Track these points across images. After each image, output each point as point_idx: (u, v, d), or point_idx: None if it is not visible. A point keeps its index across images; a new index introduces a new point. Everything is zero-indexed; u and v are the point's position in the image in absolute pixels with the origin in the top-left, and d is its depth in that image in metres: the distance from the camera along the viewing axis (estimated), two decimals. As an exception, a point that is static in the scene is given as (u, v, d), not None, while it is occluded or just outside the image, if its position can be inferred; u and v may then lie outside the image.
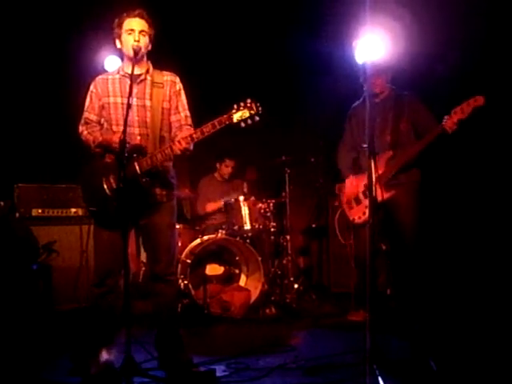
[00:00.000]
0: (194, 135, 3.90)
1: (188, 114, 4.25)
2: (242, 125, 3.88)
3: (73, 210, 6.37)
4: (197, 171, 7.79)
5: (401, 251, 5.50)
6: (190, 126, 4.20)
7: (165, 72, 4.26)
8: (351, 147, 5.84)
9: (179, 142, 3.90)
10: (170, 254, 4.21)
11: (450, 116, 5.04)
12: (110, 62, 6.82)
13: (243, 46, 7.37)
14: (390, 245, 5.85)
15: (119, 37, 4.10)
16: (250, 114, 3.85)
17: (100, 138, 4.09)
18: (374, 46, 4.79)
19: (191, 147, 3.99)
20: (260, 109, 3.87)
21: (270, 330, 5.64)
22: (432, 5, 5.97)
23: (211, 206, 7.32)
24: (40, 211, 6.24)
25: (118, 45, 4.14)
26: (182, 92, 4.27)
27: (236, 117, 3.86)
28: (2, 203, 5.87)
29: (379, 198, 5.08)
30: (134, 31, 4.03)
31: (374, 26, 4.16)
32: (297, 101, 7.64)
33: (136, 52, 3.98)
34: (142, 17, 4.07)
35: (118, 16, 4.12)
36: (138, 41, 4.01)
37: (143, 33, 4.05)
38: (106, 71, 5.72)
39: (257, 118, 3.87)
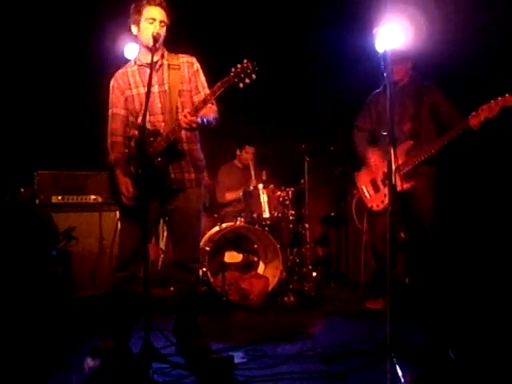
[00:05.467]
0: (198, 105, 3.89)
1: (208, 91, 4.14)
2: (241, 85, 3.79)
3: (92, 196, 6.39)
4: (215, 159, 7.79)
5: (419, 241, 5.48)
6: (212, 103, 4.14)
7: (180, 55, 4.24)
8: (367, 133, 5.82)
9: (185, 115, 3.87)
10: (196, 241, 4.26)
11: (477, 113, 4.94)
12: (130, 50, 6.83)
13: (263, 35, 7.36)
14: (409, 234, 5.84)
15: (137, 23, 4.06)
16: (247, 72, 3.77)
17: (113, 167, 4.12)
18: (394, 33, 4.76)
19: (198, 120, 3.91)
20: (256, 66, 3.79)
21: (287, 318, 5.64)
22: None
23: (230, 195, 7.32)
24: (60, 198, 6.27)
25: (135, 31, 4.11)
26: (200, 71, 4.24)
27: (234, 77, 3.79)
28: (22, 190, 5.92)
29: (398, 188, 5.08)
30: (155, 21, 4.02)
31: (395, 13, 4.13)
32: (316, 89, 7.62)
33: (156, 40, 3.96)
34: (162, 6, 4.05)
35: (136, 1, 4.08)
36: (162, 32, 4.03)
37: (162, 23, 4.05)
38: (125, 58, 5.74)
39: (254, 76, 3.78)
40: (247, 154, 7.51)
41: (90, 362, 4.00)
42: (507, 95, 4.84)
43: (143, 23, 4.04)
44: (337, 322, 5.46)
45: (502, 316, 4.99)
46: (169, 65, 4.16)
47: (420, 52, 5.59)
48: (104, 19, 6.68)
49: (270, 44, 7.40)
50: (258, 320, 5.60)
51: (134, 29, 4.11)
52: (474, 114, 4.97)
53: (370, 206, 5.68)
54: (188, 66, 4.20)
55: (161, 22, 4.04)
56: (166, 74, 4.14)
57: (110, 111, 4.23)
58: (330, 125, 7.65)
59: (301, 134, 7.32)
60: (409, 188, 5.28)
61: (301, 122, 7.84)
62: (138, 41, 4.15)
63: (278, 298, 6.36)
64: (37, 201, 6.15)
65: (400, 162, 5.25)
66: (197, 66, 4.23)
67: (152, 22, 4.02)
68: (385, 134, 3.81)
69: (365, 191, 5.73)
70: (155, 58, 4.09)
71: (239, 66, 3.80)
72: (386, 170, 4.48)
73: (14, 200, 5.77)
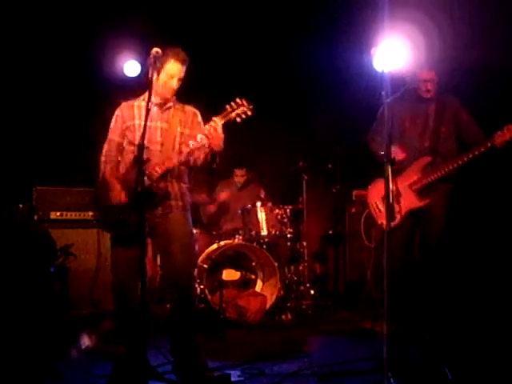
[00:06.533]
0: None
1: None
2: (238, 120, 4.03)
3: (90, 213, 6.39)
4: (213, 176, 7.80)
5: (426, 259, 5.38)
6: None
7: (187, 105, 4.40)
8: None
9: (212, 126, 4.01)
10: (185, 263, 4.20)
11: (502, 132, 4.84)
12: (130, 67, 6.89)
13: (260, 54, 7.40)
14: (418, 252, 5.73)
15: (157, 71, 4.11)
16: (244, 110, 4.03)
17: (107, 176, 4.18)
18: (393, 52, 4.77)
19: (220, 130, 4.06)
20: (251, 105, 4.05)
21: (285, 336, 5.62)
22: (454, 7, 5.94)
23: (223, 196, 7.35)
24: (58, 214, 6.28)
25: (152, 74, 4.07)
26: (202, 124, 4.37)
27: (231, 113, 4.03)
28: (21, 206, 5.92)
29: (412, 206, 5.06)
30: (174, 78, 4.16)
31: (393, 32, 4.15)
32: (314, 107, 7.65)
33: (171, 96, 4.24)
34: (185, 64, 4.17)
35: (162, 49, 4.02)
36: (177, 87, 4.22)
37: (180, 80, 4.20)
38: (125, 76, 5.79)
39: (250, 113, 4.05)
40: (238, 177, 7.54)
41: (86, 340, 4.01)
42: None
43: (163, 75, 4.15)
44: (334, 340, 5.46)
45: (500, 336, 4.98)
46: (175, 109, 4.30)
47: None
48: (104, 40, 6.73)
49: (265, 61, 7.44)
50: (256, 338, 5.60)
51: (152, 73, 4.08)
52: (499, 133, 4.86)
53: (380, 222, 5.57)
54: (193, 115, 4.37)
55: (179, 79, 4.19)
56: (171, 115, 4.27)
57: (108, 137, 4.32)
58: (327, 143, 7.67)
59: (298, 152, 7.34)
60: (423, 206, 5.22)
61: (298, 140, 7.86)
62: (153, 84, 4.10)
63: (275, 315, 6.36)
64: (35, 217, 6.15)
65: (415, 178, 5.21)
66: (200, 118, 4.41)
67: (172, 77, 4.16)
68: (382, 154, 3.79)
69: (376, 207, 5.61)
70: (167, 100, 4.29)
71: (234, 104, 4.04)
72: (397, 186, 4.46)
73: (13, 216, 5.77)
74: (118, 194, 4.05)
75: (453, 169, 5.14)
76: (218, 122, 4.02)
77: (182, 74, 4.20)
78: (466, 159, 5.06)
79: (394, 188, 5.22)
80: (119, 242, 4.15)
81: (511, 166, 5.87)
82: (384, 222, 5.38)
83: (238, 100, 4.05)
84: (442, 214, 5.26)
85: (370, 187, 5.67)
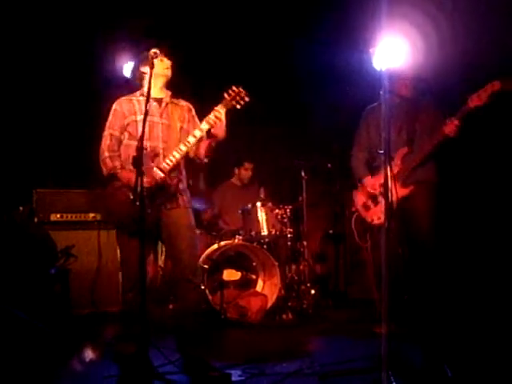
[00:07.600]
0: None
1: None
2: (238, 107, 4.25)
3: (91, 214, 6.41)
4: (213, 177, 7.81)
5: (418, 256, 5.40)
6: None
7: (181, 99, 4.56)
8: (366, 148, 5.73)
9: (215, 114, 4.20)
10: (192, 256, 4.31)
11: (466, 103, 4.93)
12: (129, 69, 6.89)
13: (259, 54, 7.40)
14: (408, 249, 5.77)
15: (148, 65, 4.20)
16: (242, 96, 4.24)
17: (118, 171, 4.24)
18: (392, 52, 4.76)
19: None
20: (247, 92, 4.25)
21: (286, 336, 5.64)
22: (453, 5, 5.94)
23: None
24: (58, 216, 6.29)
25: (145, 70, 4.30)
26: (196, 117, 4.55)
27: (232, 100, 4.23)
28: (21, 208, 5.93)
29: (400, 195, 5.05)
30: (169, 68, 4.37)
31: (392, 31, 4.15)
32: (312, 106, 7.65)
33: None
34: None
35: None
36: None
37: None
38: (124, 77, 5.83)
39: (247, 99, 4.25)
40: (246, 172, 7.54)
41: (89, 353, 4.03)
42: (494, 81, 4.82)
43: (157, 69, 4.24)
44: (335, 339, 5.45)
45: (499, 333, 4.98)
46: (173, 104, 4.44)
47: (422, 72, 5.57)
48: (103, 42, 6.74)
49: (264, 60, 7.45)
50: (256, 338, 5.60)
51: (144, 69, 4.33)
52: (451, 120, 5.00)
53: (370, 220, 5.56)
54: (187, 110, 4.54)
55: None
56: (169, 111, 4.40)
57: (107, 132, 4.37)
58: (326, 142, 7.67)
59: (298, 153, 7.34)
60: (407, 194, 5.24)
61: (298, 139, 7.87)
62: (145, 78, 4.34)
63: (276, 315, 6.36)
64: (35, 219, 6.16)
65: (397, 169, 5.23)
66: (194, 111, 4.59)
67: (167, 70, 4.39)
68: (381, 152, 3.80)
69: (364, 207, 5.63)
70: (161, 96, 4.42)
71: (231, 91, 4.24)
72: (381, 181, 4.49)
73: (13, 219, 5.78)
74: (149, 180, 4.07)
75: (431, 148, 5.20)
76: (220, 110, 4.19)
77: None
78: (439, 139, 5.11)
79: (380, 184, 5.33)
80: (127, 234, 4.19)
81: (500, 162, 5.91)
82: (374, 219, 5.49)
83: (234, 88, 4.24)
84: (426, 210, 5.31)
85: (356, 189, 5.74)
